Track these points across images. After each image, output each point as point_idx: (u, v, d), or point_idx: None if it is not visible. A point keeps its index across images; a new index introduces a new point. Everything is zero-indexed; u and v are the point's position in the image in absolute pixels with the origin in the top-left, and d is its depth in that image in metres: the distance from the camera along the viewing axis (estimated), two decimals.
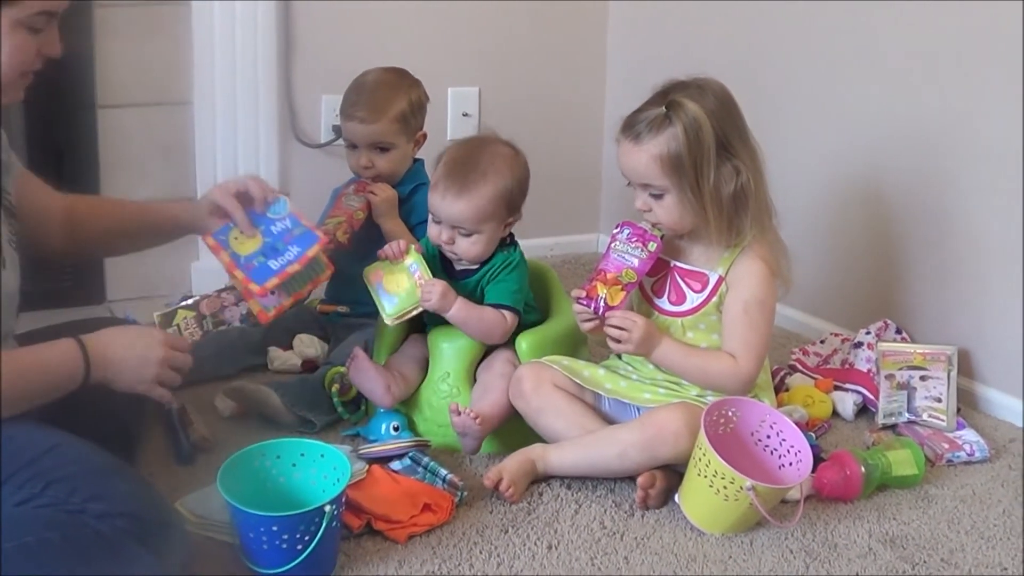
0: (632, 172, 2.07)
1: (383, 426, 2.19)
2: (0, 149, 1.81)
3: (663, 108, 2.01)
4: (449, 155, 2.24)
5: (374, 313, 2.42)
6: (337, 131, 3.07)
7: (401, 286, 2.21)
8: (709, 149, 2.00)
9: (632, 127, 2.05)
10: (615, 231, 2.11)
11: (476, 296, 2.24)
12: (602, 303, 2.06)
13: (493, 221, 2.20)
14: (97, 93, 2.88)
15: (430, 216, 2.23)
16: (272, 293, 2.01)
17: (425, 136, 2.60)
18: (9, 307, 1.75)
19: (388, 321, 2.20)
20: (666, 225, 2.07)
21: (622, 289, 2.06)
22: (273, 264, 2.00)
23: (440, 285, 2.16)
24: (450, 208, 2.17)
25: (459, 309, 2.18)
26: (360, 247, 2.41)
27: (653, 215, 2.08)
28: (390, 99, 2.52)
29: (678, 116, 2.00)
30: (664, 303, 2.14)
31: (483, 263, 2.25)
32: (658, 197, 2.05)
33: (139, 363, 1.75)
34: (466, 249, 2.21)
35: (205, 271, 3.03)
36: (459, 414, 2.09)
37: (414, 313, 2.20)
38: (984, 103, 2.46)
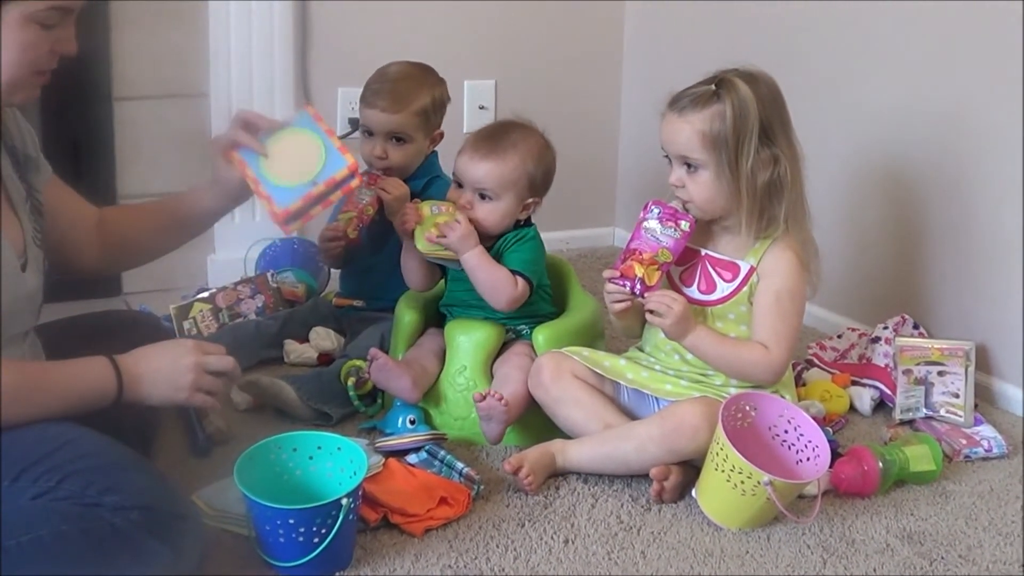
0: (672, 143, 2.06)
1: (400, 419, 2.19)
2: (28, 145, 1.81)
3: (712, 86, 2.01)
4: (482, 128, 2.28)
5: (390, 307, 2.43)
6: (353, 124, 3.07)
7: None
8: (752, 132, 2.00)
9: (678, 101, 2.05)
10: (644, 211, 2.08)
11: None
12: (639, 283, 2.03)
13: (513, 192, 2.21)
14: (113, 85, 2.89)
15: (453, 181, 2.25)
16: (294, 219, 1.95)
17: (442, 135, 2.58)
18: (31, 306, 1.75)
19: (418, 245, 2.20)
20: (698, 203, 2.05)
21: (658, 269, 2.04)
22: (297, 185, 1.93)
23: (464, 226, 2.16)
24: (476, 168, 2.19)
25: (476, 255, 2.18)
26: (375, 241, 2.39)
27: (686, 192, 2.06)
28: (413, 92, 2.50)
29: (727, 94, 2.00)
30: (693, 292, 2.12)
31: (495, 239, 2.25)
32: (694, 172, 2.04)
33: (171, 373, 1.74)
34: (484, 215, 2.21)
35: (221, 264, 3.04)
36: (483, 398, 2.09)
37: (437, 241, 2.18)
38: (1003, 97, 2.44)
